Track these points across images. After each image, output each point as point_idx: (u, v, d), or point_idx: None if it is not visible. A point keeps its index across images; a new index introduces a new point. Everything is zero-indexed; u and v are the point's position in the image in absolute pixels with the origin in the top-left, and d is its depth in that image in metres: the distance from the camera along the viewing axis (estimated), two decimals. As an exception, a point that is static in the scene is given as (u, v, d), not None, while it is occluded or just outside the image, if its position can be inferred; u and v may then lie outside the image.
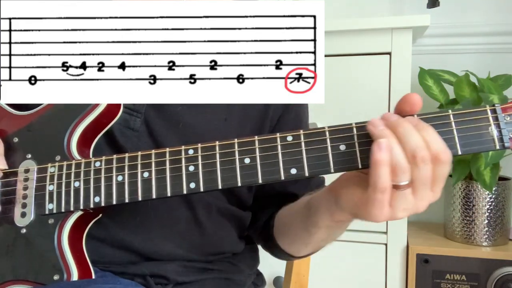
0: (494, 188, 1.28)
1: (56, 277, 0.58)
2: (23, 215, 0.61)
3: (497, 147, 0.49)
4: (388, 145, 0.47)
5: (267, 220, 0.77)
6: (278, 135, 0.53)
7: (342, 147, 0.52)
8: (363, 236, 1.33)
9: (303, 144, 0.53)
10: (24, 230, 0.60)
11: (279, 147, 0.53)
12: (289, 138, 0.53)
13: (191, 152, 0.56)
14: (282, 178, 0.53)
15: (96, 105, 0.62)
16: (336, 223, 0.60)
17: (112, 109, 0.64)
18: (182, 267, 0.72)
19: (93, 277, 0.60)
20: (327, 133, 0.52)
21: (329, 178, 0.61)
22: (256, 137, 0.54)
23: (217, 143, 0.55)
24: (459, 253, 1.29)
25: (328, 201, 0.57)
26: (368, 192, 0.49)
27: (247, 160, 0.54)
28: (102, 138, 0.65)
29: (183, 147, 0.56)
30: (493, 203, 1.30)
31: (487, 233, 1.31)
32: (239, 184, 0.54)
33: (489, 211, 1.30)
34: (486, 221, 1.31)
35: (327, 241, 0.69)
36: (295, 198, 0.74)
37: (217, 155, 0.55)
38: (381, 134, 0.48)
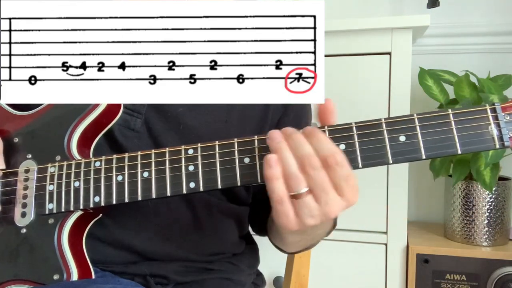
0: (494, 188, 1.28)
1: (56, 277, 0.58)
2: (23, 215, 0.61)
3: (497, 146, 0.49)
4: (276, 160, 0.49)
5: (264, 218, 0.78)
6: None
7: (342, 147, 0.52)
8: (363, 236, 1.33)
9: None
10: (24, 230, 0.60)
11: None
12: None
13: (190, 152, 0.56)
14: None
15: (96, 105, 0.62)
16: (295, 232, 0.58)
17: (112, 109, 0.64)
18: (182, 267, 0.72)
19: (93, 277, 0.60)
20: (326, 132, 0.52)
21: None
22: (255, 137, 0.54)
23: (216, 143, 0.55)
24: (459, 253, 1.29)
25: None
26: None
27: (246, 160, 0.54)
28: (102, 139, 0.65)
29: (182, 147, 0.56)
30: (493, 203, 1.30)
31: (487, 233, 1.31)
32: (239, 184, 0.54)
33: (489, 211, 1.30)
34: (486, 221, 1.31)
35: (309, 241, 0.69)
36: None
37: (217, 155, 0.55)
38: (276, 147, 0.50)
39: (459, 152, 0.50)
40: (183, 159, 0.56)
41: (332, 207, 0.49)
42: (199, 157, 0.55)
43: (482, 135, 0.50)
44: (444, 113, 0.50)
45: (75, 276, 0.58)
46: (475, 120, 0.50)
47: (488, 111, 0.50)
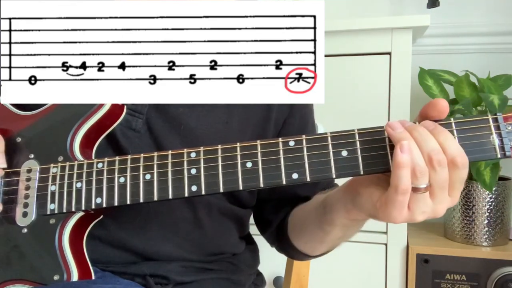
0: (494, 188, 1.28)
1: (56, 277, 0.58)
2: (25, 215, 0.61)
3: (498, 155, 0.50)
4: (410, 147, 0.47)
5: (281, 221, 0.77)
6: (280, 139, 0.54)
7: (344, 153, 0.52)
8: (363, 236, 1.33)
9: (305, 149, 0.53)
10: (25, 230, 0.60)
11: (281, 151, 0.53)
12: (291, 143, 0.53)
13: (193, 155, 0.56)
14: (284, 182, 0.53)
15: (100, 107, 0.62)
16: (352, 222, 0.60)
17: (115, 110, 0.64)
18: (182, 267, 0.72)
19: (93, 278, 0.60)
20: (329, 138, 0.52)
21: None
22: (258, 142, 0.54)
23: (219, 146, 0.55)
24: (459, 253, 1.29)
25: (345, 199, 0.57)
26: (388, 193, 0.49)
27: (249, 164, 0.54)
28: (104, 139, 0.65)
29: (185, 150, 0.56)
30: (493, 203, 1.30)
31: (487, 233, 1.31)
32: (241, 188, 0.54)
33: (489, 211, 1.30)
34: (486, 221, 1.31)
35: (343, 239, 0.69)
36: (307, 200, 0.74)
37: (219, 159, 0.55)
38: (401, 137, 0.48)
39: None
40: (185, 162, 0.56)
41: (443, 206, 0.49)
42: (202, 161, 0.55)
43: (484, 144, 0.50)
44: (446, 122, 0.51)
45: (75, 277, 0.58)
46: (476, 129, 0.50)
47: (490, 120, 0.50)
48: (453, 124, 0.51)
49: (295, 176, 0.53)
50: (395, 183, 0.48)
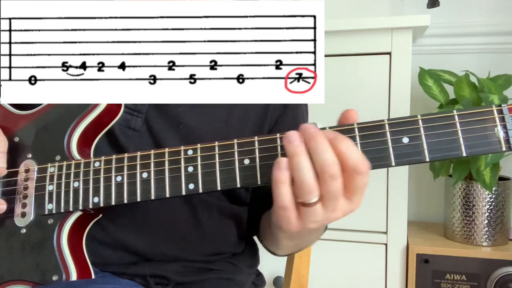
0: (494, 188, 1.28)
1: (55, 278, 0.58)
2: (23, 215, 0.61)
3: (504, 148, 0.48)
4: (287, 164, 0.47)
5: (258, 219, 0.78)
6: (278, 135, 0.53)
7: None
8: (363, 236, 1.33)
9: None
10: (24, 230, 0.60)
11: (278, 148, 0.53)
12: None
13: (190, 152, 0.55)
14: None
15: (96, 105, 0.62)
16: (293, 235, 0.58)
17: (113, 108, 0.64)
18: (182, 267, 0.72)
19: (93, 277, 0.60)
20: None
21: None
22: (256, 138, 0.54)
23: (216, 143, 0.55)
24: (459, 253, 1.29)
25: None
26: (273, 208, 0.49)
27: (246, 161, 0.53)
28: (103, 138, 0.65)
29: (182, 148, 0.56)
30: (493, 203, 1.30)
31: (487, 233, 1.31)
32: (239, 185, 0.53)
33: (489, 211, 1.30)
34: (486, 221, 1.31)
35: (301, 245, 0.69)
36: None
37: (217, 156, 0.54)
38: (292, 152, 0.47)
39: (464, 154, 0.48)
40: (182, 160, 0.55)
41: (338, 213, 0.49)
42: (199, 158, 0.55)
43: (488, 137, 0.48)
44: (449, 114, 0.49)
45: (74, 277, 0.58)
46: (480, 121, 0.48)
47: (495, 112, 0.48)
48: (456, 116, 0.49)
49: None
50: (274, 200, 0.48)
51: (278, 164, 0.47)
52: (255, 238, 0.85)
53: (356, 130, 0.51)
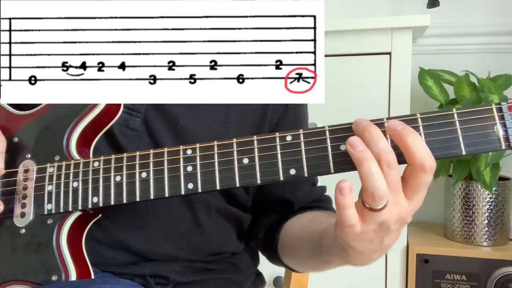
0: (494, 188, 1.28)
1: (54, 278, 0.58)
2: (23, 215, 0.61)
3: (503, 146, 0.48)
4: (350, 189, 0.46)
5: (270, 233, 0.77)
6: (277, 134, 0.53)
7: (343, 147, 0.50)
8: (363, 236, 1.33)
9: (302, 144, 0.52)
10: (23, 230, 0.60)
11: (278, 147, 0.53)
12: (289, 138, 0.53)
13: (189, 152, 0.55)
14: (281, 178, 0.52)
15: (95, 105, 0.62)
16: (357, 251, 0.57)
17: (112, 108, 0.64)
18: (182, 267, 0.71)
19: (92, 277, 0.60)
20: (327, 132, 0.51)
21: (331, 181, 0.60)
22: (255, 137, 0.54)
23: (215, 143, 0.55)
24: (459, 253, 1.29)
25: (340, 250, 0.55)
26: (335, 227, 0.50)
27: (245, 160, 0.53)
28: (102, 138, 0.65)
29: (181, 147, 0.56)
30: (493, 203, 1.30)
31: (487, 233, 1.31)
32: (238, 185, 0.53)
33: (489, 211, 1.30)
34: (486, 221, 1.31)
35: (358, 262, 0.69)
36: (291, 206, 0.75)
37: (216, 155, 0.54)
38: (359, 157, 0.46)
39: (464, 153, 0.48)
40: (181, 160, 0.55)
41: (399, 217, 0.48)
42: (198, 158, 0.55)
43: (488, 135, 0.48)
44: (449, 113, 0.49)
45: (73, 277, 0.58)
46: (480, 120, 0.48)
47: (494, 110, 0.48)
48: (456, 115, 0.49)
49: (292, 171, 0.52)
50: (339, 221, 0.48)
51: (341, 190, 0.46)
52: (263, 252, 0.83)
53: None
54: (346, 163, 0.51)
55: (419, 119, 0.50)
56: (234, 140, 0.54)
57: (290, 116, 0.76)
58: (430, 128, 0.49)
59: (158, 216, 0.69)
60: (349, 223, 0.47)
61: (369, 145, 0.47)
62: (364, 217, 0.48)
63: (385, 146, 0.46)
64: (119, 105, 0.64)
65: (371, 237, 0.49)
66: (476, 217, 1.31)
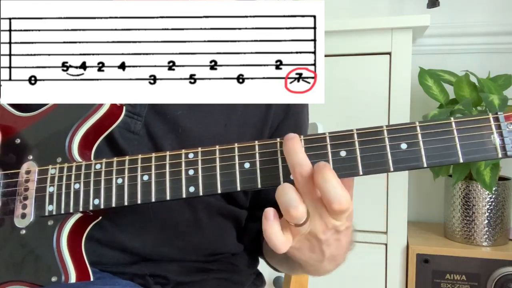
0: (494, 188, 1.28)
1: (54, 279, 0.58)
2: (23, 216, 0.61)
3: (500, 155, 0.49)
4: (274, 214, 0.49)
5: (258, 233, 0.78)
6: (278, 140, 0.53)
7: (343, 153, 0.51)
8: (363, 236, 1.33)
9: (303, 149, 0.52)
10: (23, 231, 0.60)
11: (279, 152, 0.53)
12: None
13: (191, 156, 0.56)
14: (282, 183, 0.53)
15: (98, 107, 0.62)
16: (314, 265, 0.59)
17: (114, 111, 0.64)
18: (181, 267, 0.71)
19: (92, 279, 0.60)
20: (327, 139, 0.52)
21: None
22: (256, 142, 0.54)
23: (217, 147, 0.55)
24: (459, 253, 1.29)
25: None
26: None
27: (247, 165, 0.53)
28: (103, 141, 0.65)
29: (183, 151, 0.56)
30: (493, 203, 1.30)
31: (487, 233, 1.31)
32: (239, 189, 0.53)
33: (489, 211, 1.30)
34: (486, 221, 1.31)
35: (319, 272, 0.69)
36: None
37: (217, 159, 0.55)
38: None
39: (461, 161, 0.49)
40: (183, 163, 0.56)
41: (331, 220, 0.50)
42: (199, 161, 0.55)
43: (485, 144, 0.49)
44: (446, 122, 0.50)
45: (73, 279, 0.58)
46: (477, 129, 0.49)
47: (491, 120, 0.49)
48: (453, 124, 0.50)
49: (292, 177, 0.52)
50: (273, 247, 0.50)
51: (265, 215, 0.49)
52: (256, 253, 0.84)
53: (355, 135, 0.51)
54: (346, 169, 0.51)
55: (418, 127, 0.50)
56: (236, 144, 0.54)
57: (291, 119, 0.76)
58: (428, 136, 0.50)
59: (158, 217, 0.69)
60: (279, 244, 0.49)
61: (287, 157, 0.50)
62: (293, 232, 0.50)
63: (300, 160, 0.49)
64: (121, 108, 0.64)
65: (309, 246, 0.52)
66: (476, 217, 1.32)
